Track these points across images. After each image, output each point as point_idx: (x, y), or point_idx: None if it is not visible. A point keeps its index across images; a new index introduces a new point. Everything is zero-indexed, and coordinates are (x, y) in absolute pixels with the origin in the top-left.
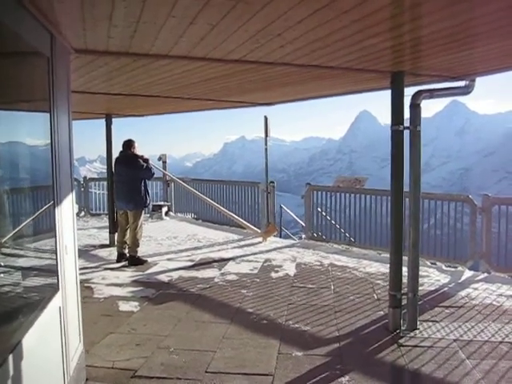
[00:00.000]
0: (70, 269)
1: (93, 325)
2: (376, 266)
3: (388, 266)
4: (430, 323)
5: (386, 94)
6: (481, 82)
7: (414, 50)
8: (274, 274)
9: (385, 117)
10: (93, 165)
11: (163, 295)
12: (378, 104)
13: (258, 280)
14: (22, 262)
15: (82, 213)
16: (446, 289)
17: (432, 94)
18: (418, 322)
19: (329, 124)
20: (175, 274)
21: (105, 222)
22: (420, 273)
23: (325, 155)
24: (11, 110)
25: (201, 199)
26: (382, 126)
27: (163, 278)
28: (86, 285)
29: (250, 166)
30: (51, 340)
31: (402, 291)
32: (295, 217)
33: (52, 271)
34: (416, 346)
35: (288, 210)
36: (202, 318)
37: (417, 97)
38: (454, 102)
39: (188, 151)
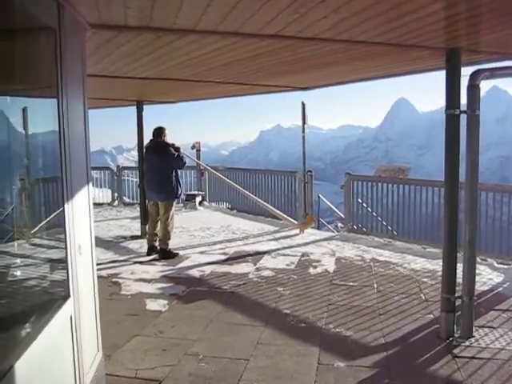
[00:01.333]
0: (84, 272)
1: (117, 325)
2: (421, 262)
3: (435, 262)
4: (487, 330)
5: (424, 80)
6: None
7: (472, 22)
8: (312, 270)
9: (422, 104)
10: (130, 153)
11: (194, 293)
12: (415, 91)
13: (295, 277)
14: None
15: (116, 202)
16: (500, 289)
17: (493, 73)
18: (474, 329)
19: (366, 112)
20: (207, 269)
21: (138, 211)
22: None
23: (361, 143)
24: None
25: (235, 189)
26: (420, 114)
27: (195, 273)
28: (113, 280)
29: (285, 154)
30: (60, 355)
31: (456, 294)
32: (333, 207)
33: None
34: (473, 358)
35: (326, 200)
36: (234, 320)
37: (476, 77)
38: (495, 88)
39: (224, 139)
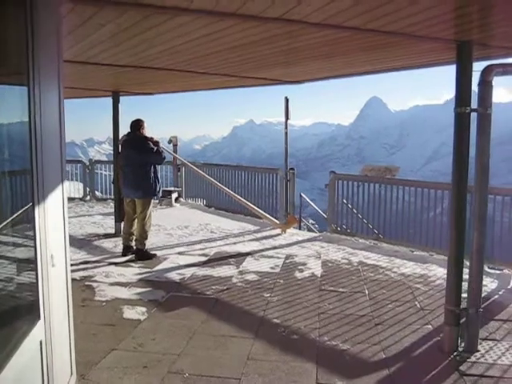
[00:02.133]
0: (57, 286)
1: (91, 337)
2: (411, 266)
3: (424, 266)
4: (490, 342)
5: (396, 79)
6: None
7: (486, 14)
8: (298, 274)
9: (394, 103)
10: (101, 146)
11: (174, 299)
12: (387, 90)
13: (281, 281)
14: None
15: (88, 197)
16: (496, 297)
17: (506, 68)
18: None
19: (338, 110)
20: (188, 272)
21: (111, 207)
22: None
23: (334, 141)
24: None
25: (214, 185)
26: (392, 113)
27: (174, 276)
28: (86, 283)
29: (258, 150)
30: None
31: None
32: (315, 206)
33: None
34: (482, 376)
35: (308, 199)
36: (220, 331)
37: (488, 72)
38: None
39: (196, 134)
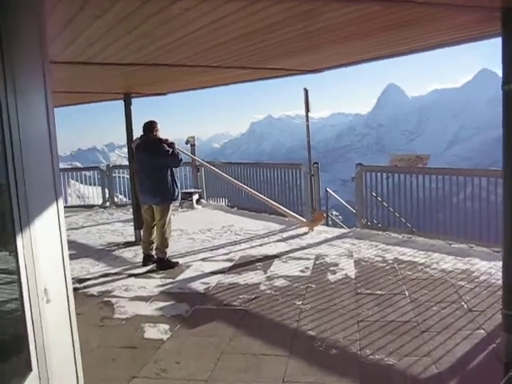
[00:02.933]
0: (55, 326)
1: (111, 363)
2: (451, 261)
3: (466, 260)
4: None
5: (412, 64)
6: None
7: None
8: (331, 276)
9: (412, 89)
10: (122, 150)
11: (199, 313)
12: (404, 76)
13: (313, 286)
14: None
15: (107, 203)
16: None
17: None
18: None
19: (356, 99)
20: (212, 280)
21: (131, 213)
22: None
23: (353, 131)
24: None
25: (235, 185)
26: (409, 99)
27: (198, 286)
28: (105, 299)
29: (277, 145)
30: None
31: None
32: (342, 201)
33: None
34: None
35: (334, 194)
36: (251, 349)
37: None
38: (484, 70)
39: (215, 132)
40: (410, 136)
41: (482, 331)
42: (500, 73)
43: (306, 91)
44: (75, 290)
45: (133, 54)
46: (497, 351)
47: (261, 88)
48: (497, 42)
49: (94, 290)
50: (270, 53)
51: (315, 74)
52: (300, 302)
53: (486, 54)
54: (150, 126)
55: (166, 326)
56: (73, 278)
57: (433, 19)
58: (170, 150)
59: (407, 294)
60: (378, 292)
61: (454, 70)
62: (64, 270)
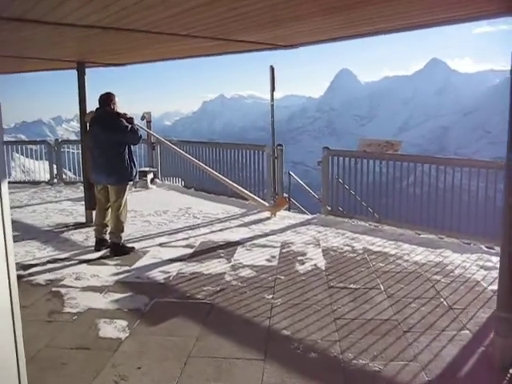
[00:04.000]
0: None
1: (61, 369)
2: (422, 253)
3: (437, 252)
4: None
5: (366, 50)
6: (457, 40)
7: None
8: (299, 267)
9: (364, 74)
10: (70, 124)
11: (160, 306)
12: (357, 61)
13: (282, 277)
14: None
15: (55, 180)
16: None
17: None
18: None
19: (309, 82)
20: (173, 269)
21: (81, 191)
22: (479, 262)
23: (305, 113)
24: None
25: (195, 165)
26: (362, 84)
27: (157, 275)
28: (53, 289)
29: (229, 125)
30: None
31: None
32: (306, 187)
33: None
34: None
35: (298, 179)
36: (221, 351)
37: None
38: (435, 60)
39: (166, 110)
40: (361, 121)
41: (468, 332)
42: (449, 63)
43: (273, 69)
44: (19, 277)
45: (92, 15)
46: (488, 355)
47: (213, 66)
48: (446, 32)
49: (41, 279)
50: (241, 23)
51: (290, 49)
52: (270, 296)
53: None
54: (107, 99)
55: (124, 323)
56: (16, 264)
57: None
58: (129, 126)
59: (382, 289)
60: (352, 286)
61: (405, 57)
62: (6, 255)
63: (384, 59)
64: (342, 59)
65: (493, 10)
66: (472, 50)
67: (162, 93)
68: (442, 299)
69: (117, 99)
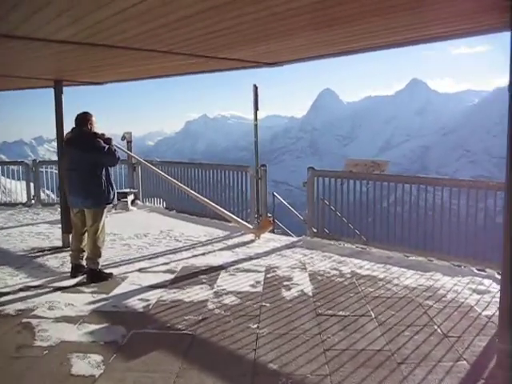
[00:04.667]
0: None
1: None
2: (412, 276)
3: (428, 275)
4: None
5: (348, 69)
6: (436, 60)
7: None
8: (285, 293)
9: (346, 94)
10: (51, 144)
11: (138, 339)
12: (340, 80)
13: (267, 305)
14: None
15: (32, 201)
16: None
17: None
18: None
19: (292, 102)
20: (152, 296)
21: (59, 213)
22: (471, 286)
23: (287, 133)
24: None
25: (176, 187)
26: (344, 104)
27: (136, 303)
28: (23, 320)
29: (212, 145)
30: None
31: None
32: (291, 208)
33: None
34: None
35: (282, 200)
36: None
37: None
38: (415, 80)
39: (149, 130)
40: (343, 141)
41: (465, 362)
42: (429, 83)
43: (256, 88)
44: None
45: (64, 29)
46: None
47: (196, 86)
48: (426, 52)
49: (11, 309)
50: (223, 39)
51: (274, 67)
52: (255, 325)
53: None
54: (83, 119)
55: (99, 358)
56: None
57: (429, 6)
58: (107, 147)
59: (373, 316)
60: (341, 313)
61: (387, 76)
62: None
63: (366, 78)
64: (324, 78)
65: (492, 24)
66: (451, 71)
67: (144, 112)
68: (435, 326)
69: (94, 119)
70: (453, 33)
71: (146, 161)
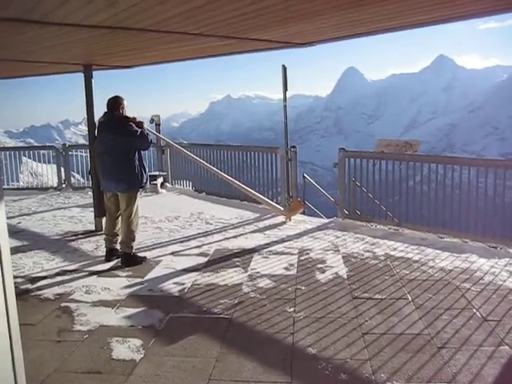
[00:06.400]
0: None
1: None
2: (447, 258)
3: (463, 257)
4: None
5: (372, 47)
6: (462, 36)
7: None
8: (320, 276)
9: (371, 72)
10: (78, 128)
11: (176, 322)
12: (364, 59)
13: (302, 288)
14: None
15: (63, 186)
16: None
17: None
18: None
19: (316, 82)
20: (187, 280)
21: (90, 197)
22: (508, 268)
23: (312, 113)
24: None
25: (206, 169)
26: (369, 82)
27: (171, 287)
28: (62, 304)
29: (237, 125)
30: None
31: None
32: (322, 190)
33: None
34: None
35: (313, 181)
36: (243, 373)
37: None
38: (441, 56)
39: (173, 111)
40: (368, 119)
41: (507, 347)
42: (456, 60)
43: (285, 68)
44: (27, 292)
45: (98, 14)
46: None
47: (220, 66)
48: (451, 28)
49: (50, 293)
50: (255, 21)
51: (304, 47)
52: (291, 309)
53: (442, 39)
54: (115, 103)
55: (138, 342)
56: (24, 277)
57: None
58: (139, 130)
59: (410, 299)
60: (378, 296)
61: (412, 54)
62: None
63: (390, 57)
64: (348, 57)
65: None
66: (478, 46)
67: (168, 94)
68: (474, 310)
69: (125, 102)
70: (468, 13)
71: (175, 143)
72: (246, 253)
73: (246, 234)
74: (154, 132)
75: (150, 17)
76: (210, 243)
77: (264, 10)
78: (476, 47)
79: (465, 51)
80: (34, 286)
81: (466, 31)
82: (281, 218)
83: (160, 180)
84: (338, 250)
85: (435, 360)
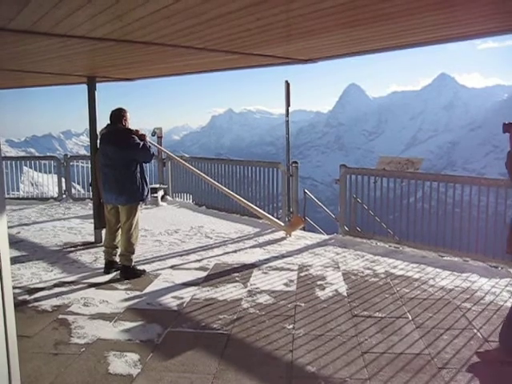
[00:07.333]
0: None
1: None
2: (448, 277)
3: (464, 276)
4: None
5: (374, 64)
6: (462, 55)
7: None
8: (320, 293)
9: (372, 89)
10: (79, 138)
11: (174, 337)
12: (366, 76)
13: (302, 305)
14: None
15: (64, 196)
16: None
17: None
18: None
19: (318, 97)
20: (186, 294)
21: (90, 208)
22: (509, 288)
23: (313, 128)
24: None
25: (207, 182)
26: (370, 99)
27: (170, 301)
28: (60, 316)
29: (237, 140)
30: None
31: None
32: (323, 206)
33: None
34: None
35: (313, 197)
36: None
37: None
38: (443, 75)
39: (175, 124)
40: (369, 136)
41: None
42: (457, 78)
43: (288, 84)
44: (24, 303)
45: (103, 27)
46: None
47: (222, 80)
48: (450, 48)
49: (48, 304)
50: (259, 36)
51: (307, 64)
52: (291, 326)
53: (443, 58)
54: (118, 115)
55: (135, 356)
56: (22, 287)
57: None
58: (142, 143)
59: (410, 318)
60: (378, 314)
61: (413, 72)
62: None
63: (392, 74)
64: (350, 74)
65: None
66: (479, 65)
67: (169, 107)
68: (475, 330)
69: (128, 115)
70: (470, 33)
71: (177, 156)
72: (246, 268)
73: (245, 248)
74: (156, 144)
75: (155, 30)
76: (209, 257)
77: (268, 27)
78: (477, 66)
79: (466, 70)
80: (32, 297)
81: (467, 50)
82: (281, 234)
83: (161, 193)
84: (338, 267)
85: (435, 381)
